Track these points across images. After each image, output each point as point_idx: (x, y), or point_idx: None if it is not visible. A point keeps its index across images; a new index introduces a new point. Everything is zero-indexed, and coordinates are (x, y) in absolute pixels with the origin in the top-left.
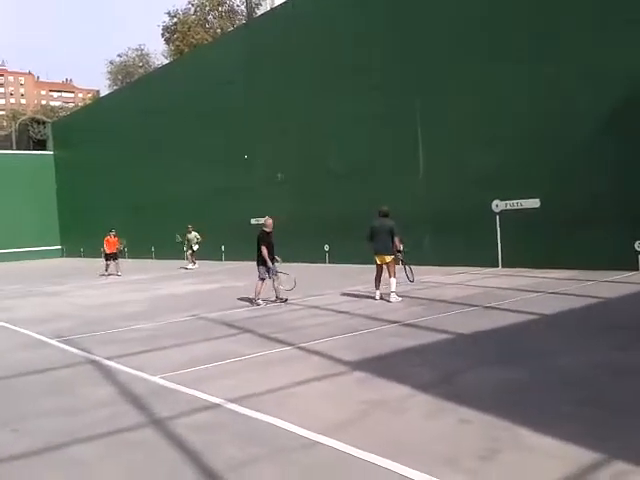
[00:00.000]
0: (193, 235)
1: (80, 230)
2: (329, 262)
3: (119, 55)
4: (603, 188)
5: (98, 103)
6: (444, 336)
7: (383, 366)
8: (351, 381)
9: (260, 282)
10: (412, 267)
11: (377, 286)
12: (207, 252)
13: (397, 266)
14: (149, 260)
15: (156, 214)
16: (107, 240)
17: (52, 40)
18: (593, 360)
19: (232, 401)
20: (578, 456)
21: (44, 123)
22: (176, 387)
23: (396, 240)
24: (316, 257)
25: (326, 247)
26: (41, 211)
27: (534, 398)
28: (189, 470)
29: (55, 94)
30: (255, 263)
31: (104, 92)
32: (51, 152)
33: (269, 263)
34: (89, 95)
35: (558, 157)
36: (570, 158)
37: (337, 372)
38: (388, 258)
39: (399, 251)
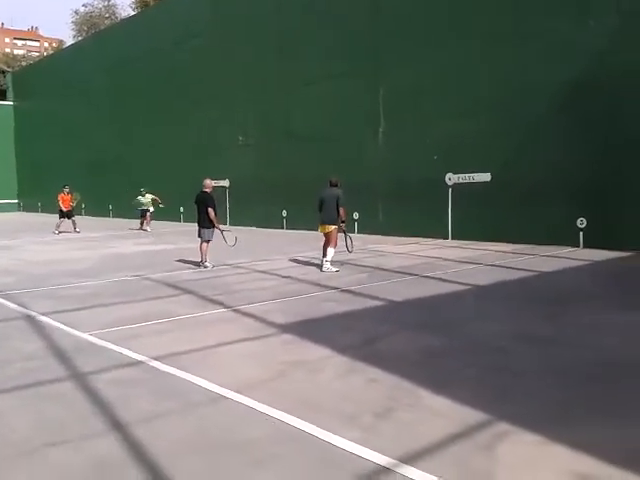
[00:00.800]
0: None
1: (38, 184)
2: (287, 228)
3: (84, 5)
4: (551, 166)
5: (60, 54)
6: (377, 303)
7: (311, 329)
8: (277, 343)
9: (205, 244)
10: (363, 235)
11: (324, 254)
12: (166, 213)
13: (339, 234)
14: (106, 218)
15: (116, 171)
16: (62, 197)
17: None
18: (511, 329)
19: (155, 359)
20: (467, 417)
21: (4, 72)
22: (104, 344)
23: (341, 210)
24: (274, 222)
25: (284, 212)
26: None
27: (444, 362)
28: (98, 421)
29: (19, 42)
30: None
31: (69, 43)
32: (11, 102)
33: (217, 224)
34: (54, 44)
35: (510, 134)
36: (522, 135)
37: (265, 334)
38: (330, 227)
39: (343, 221)
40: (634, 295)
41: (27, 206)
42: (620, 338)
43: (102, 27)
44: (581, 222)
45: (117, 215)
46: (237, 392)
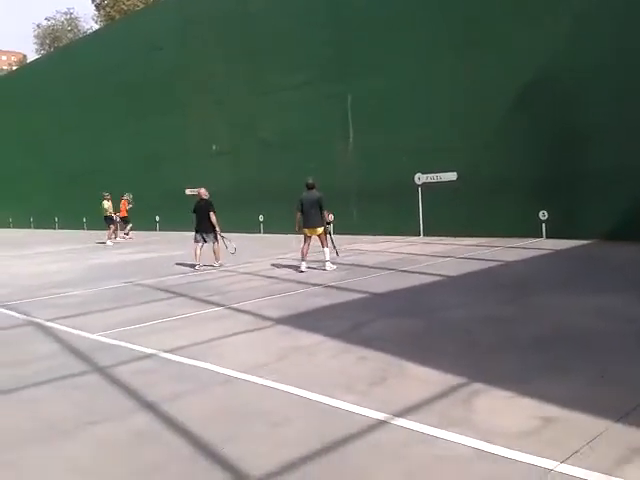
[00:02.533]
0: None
1: (7, 199)
2: (264, 232)
3: (47, 19)
4: (512, 163)
5: (25, 68)
6: (359, 295)
7: (302, 320)
8: (273, 333)
9: (215, 245)
10: (339, 236)
11: (304, 257)
12: (141, 222)
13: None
14: (80, 231)
15: (87, 183)
16: (123, 203)
17: None
18: (479, 312)
19: (166, 351)
20: (447, 381)
21: None
22: (115, 342)
23: (325, 212)
24: (251, 227)
25: (261, 217)
26: None
27: (422, 341)
28: (129, 402)
29: None
30: (195, 231)
31: (31, 56)
32: None
33: (218, 228)
34: (14, 58)
35: (473, 134)
36: (483, 135)
37: (262, 326)
38: (320, 230)
39: (328, 223)
40: (590, 280)
41: None
42: (570, 314)
43: (64, 40)
44: (543, 214)
45: (91, 227)
46: (245, 373)
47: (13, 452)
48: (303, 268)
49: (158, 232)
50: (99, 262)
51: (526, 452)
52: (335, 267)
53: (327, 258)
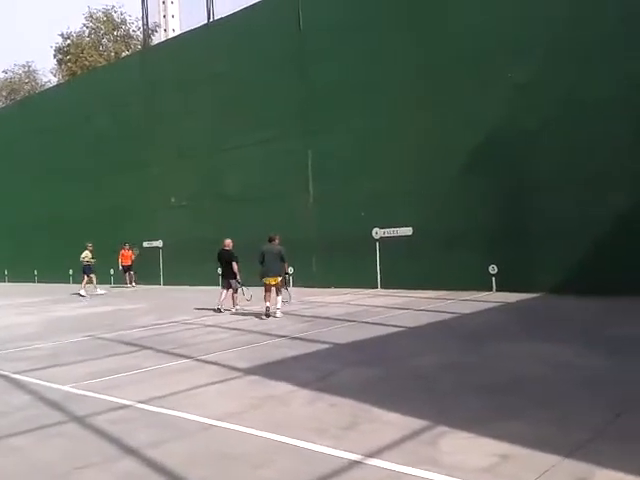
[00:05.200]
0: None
1: None
2: (221, 285)
3: (4, 71)
4: (465, 218)
5: None
6: (324, 346)
7: (271, 371)
8: (244, 383)
9: (234, 292)
10: (299, 288)
11: (271, 303)
12: (99, 275)
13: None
14: (31, 284)
15: (40, 236)
16: (122, 253)
17: None
18: (437, 360)
19: (140, 402)
20: (413, 424)
21: None
22: (88, 394)
23: (285, 264)
24: (210, 280)
25: (219, 270)
26: None
27: (388, 388)
28: (112, 449)
29: None
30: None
31: None
32: None
33: (239, 276)
34: None
35: (428, 191)
36: (438, 191)
37: (231, 377)
38: (278, 279)
39: (287, 273)
40: (537, 331)
41: None
42: (522, 362)
43: (22, 92)
44: (492, 268)
45: (43, 280)
46: (222, 421)
47: None
48: (264, 315)
49: (113, 285)
50: (58, 315)
51: None
52: (281, 315)
53: (279, 306)
